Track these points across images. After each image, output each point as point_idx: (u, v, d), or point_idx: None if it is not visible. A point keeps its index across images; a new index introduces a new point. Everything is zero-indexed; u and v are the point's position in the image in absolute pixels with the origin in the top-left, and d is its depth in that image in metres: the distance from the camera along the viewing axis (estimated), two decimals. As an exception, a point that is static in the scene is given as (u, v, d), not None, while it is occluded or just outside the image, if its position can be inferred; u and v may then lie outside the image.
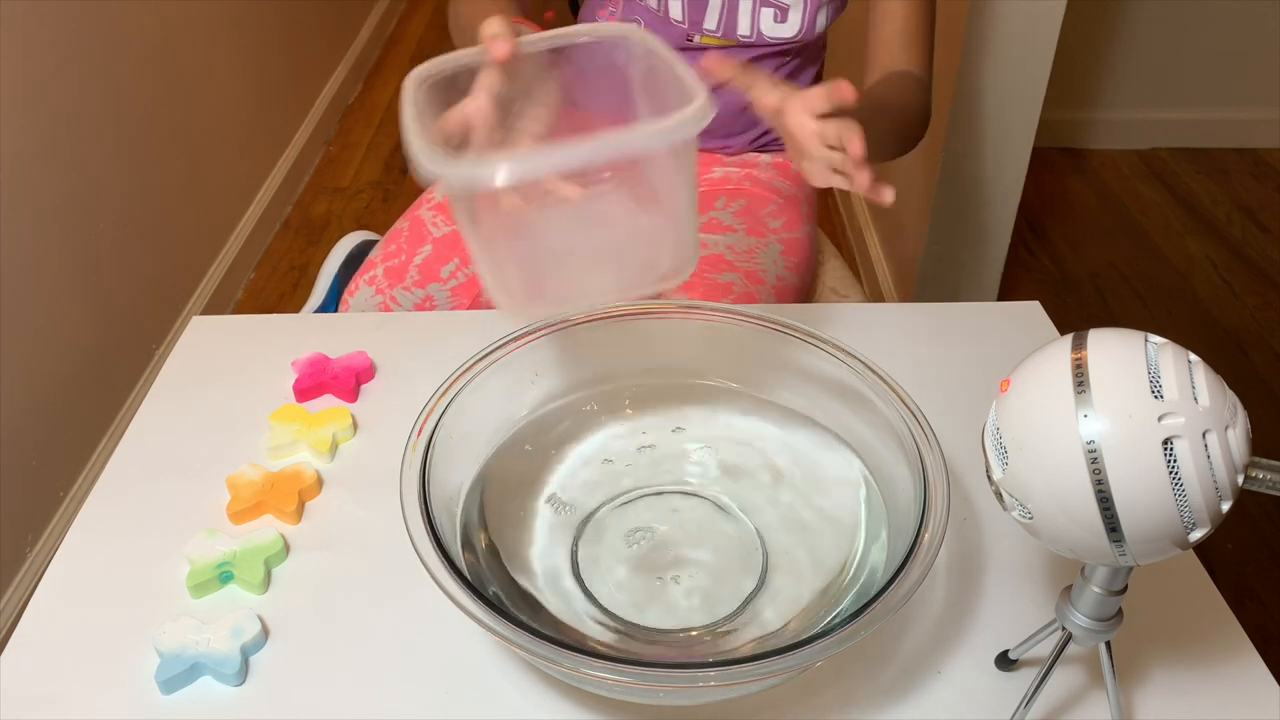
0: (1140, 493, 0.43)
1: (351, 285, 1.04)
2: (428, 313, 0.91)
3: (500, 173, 0.53)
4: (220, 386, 0.80)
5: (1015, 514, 0.48)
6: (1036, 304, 0.89)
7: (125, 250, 1.67)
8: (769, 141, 1.16)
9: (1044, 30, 1.50)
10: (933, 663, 0.60)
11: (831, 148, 0.65)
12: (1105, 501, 0.44)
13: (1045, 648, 0.58)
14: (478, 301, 1.02)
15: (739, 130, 1.12)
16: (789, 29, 1.01)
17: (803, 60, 1.08)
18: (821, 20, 1.02)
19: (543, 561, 0.63)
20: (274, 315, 0.89)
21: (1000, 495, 0.48)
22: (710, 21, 1.01)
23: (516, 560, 0.62)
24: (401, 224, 1.06)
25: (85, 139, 1.55)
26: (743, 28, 1.01)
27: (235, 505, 0.69)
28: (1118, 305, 2.07)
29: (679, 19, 1.03)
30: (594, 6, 1.10)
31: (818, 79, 1.14)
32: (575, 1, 1.18)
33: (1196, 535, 0.44)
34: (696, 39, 1.03)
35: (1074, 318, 2.04)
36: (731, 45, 1.02)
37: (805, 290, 1.08)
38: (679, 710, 0.58)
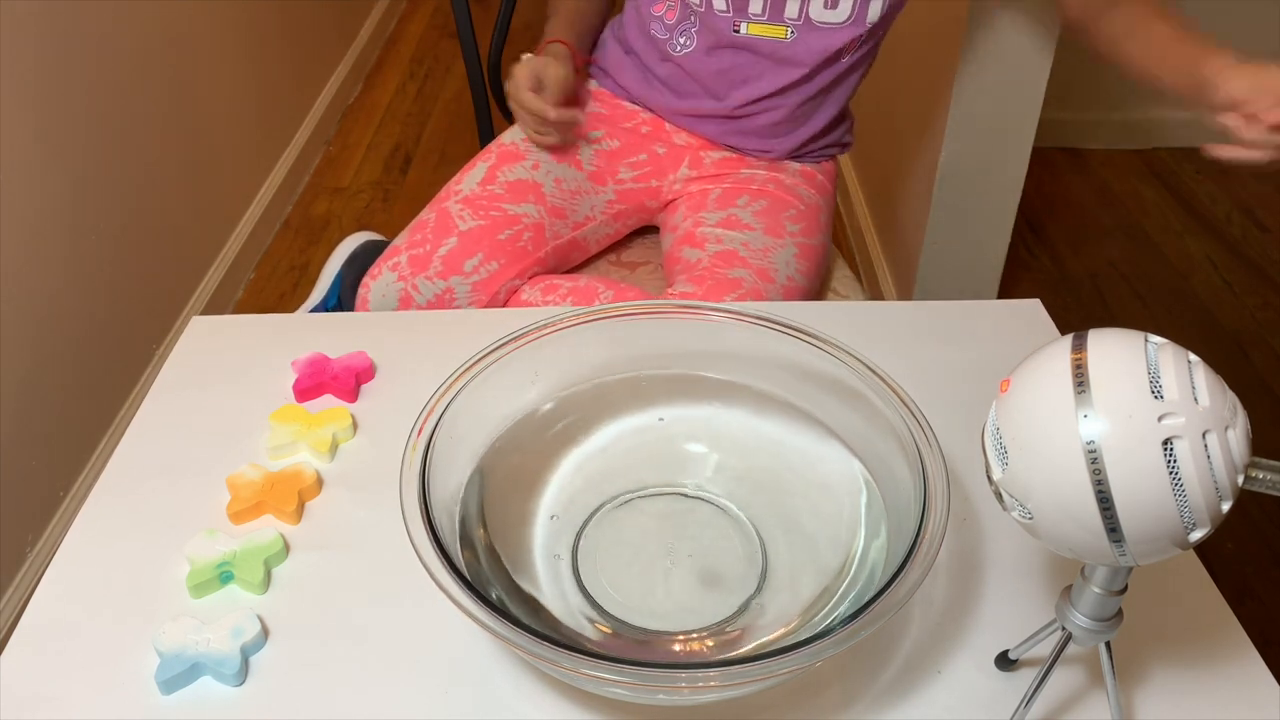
0: (1140, 493, 0.43)
1: (374, 269, 1.04)
2: (428, 312, 0.91)
3: None
4: (220, 386, 0.80)
5: (1015, 514, 0.48)
6: (1037, 302, 0.89)
7: (125, 250, 1.67)
8: (807, 153, 1.16)
9: (1044, 30, 1.50)
10: (933, 663, 0.60)
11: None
12: (1105, 501, 0.44)
13: (1045, 648, 0.58)
14: (496, 298, 1.02)
15: (783, 134, 1.13)
16: (839, 14, 1.01)
17: (853, 63, 1.08)
18: (874, 10, 1.01)
19: (542, 561, 0.63)
20: (274, 315, 0.89)
21: (1000, 495, 0.48)
22: (755, 5, 1.01)
23: (516, 560, 0.62)
24: (428, 215, 1.06)
25: (85, 139, 1.55)
26: (790, 10, 1.01)
27: (235, 505, 0.69)
28: (1118, 305, 2.07)
29: (723, 9, 1.03)
30: (648, 2, 1.10)
31: (853, 91, 1.15)
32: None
33: (1196, 535, 0.44)
34: (743, 28, 1.03)
35: (1074, 318, 2.04)
36: (778, 33, 1.03)
37: (814, 296, 1.08)
38: (679, 710, 0.58)
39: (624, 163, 1.15)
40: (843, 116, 1.18)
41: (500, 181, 1.07)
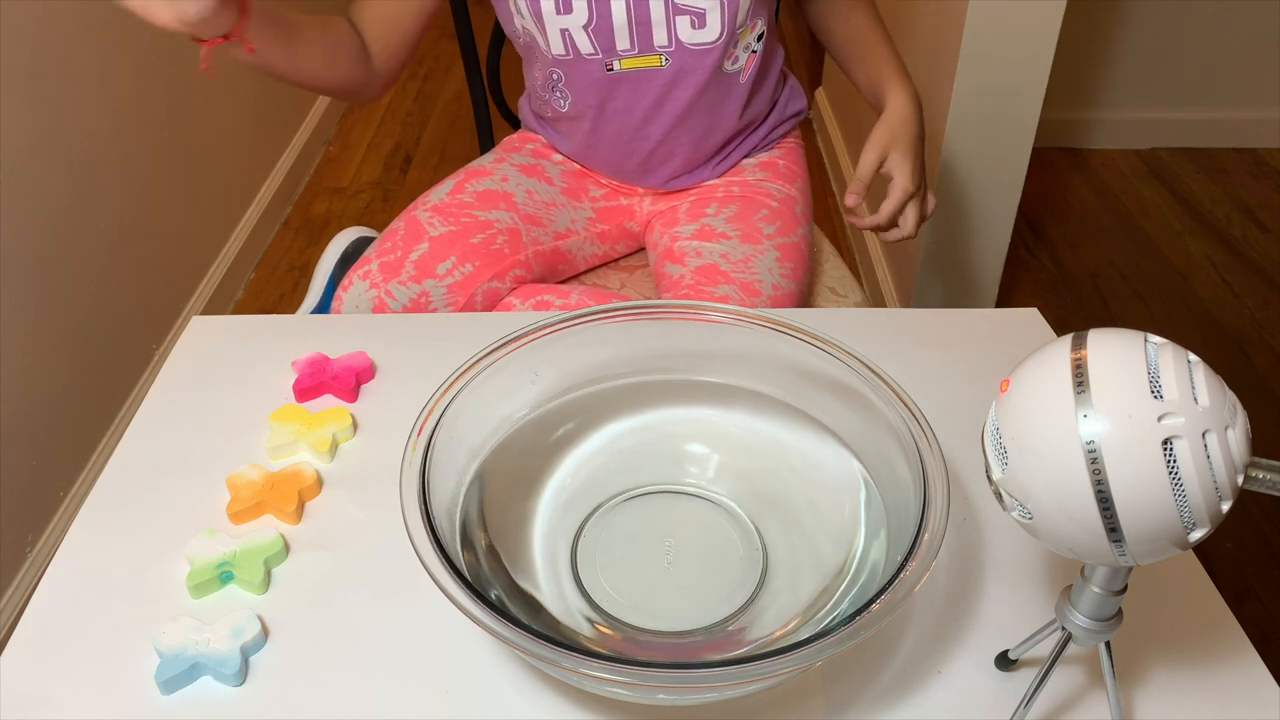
0: (1140, 493, 0.43)
1: (345, 280, 1.02)
2: (428, 314, 0.90)
3: None
4: (220, 386, 0.80)
5: (1015, 514, 0.48)
6: (1035, 311, 0.89)
7: (125, 250, 1.67)
8: (755, 148, 1.15)
9: (1044, 30, 1.50)
10: (933, 663, 0.60)
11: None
12: (1105, 501, 0.44)
13: (1045, 648, 0.58)
14: (472, 300, 1.02)
15: (701, 161, 1.12)
16: (709, 34, 1.00)
17: (747, 60, 1.07)
18: (741, 18, 1.00)
19: (542, 561, 0.63)
20: (274, 315, 0.89)
21: (1000, 495, 0.48)
22: (622, 42, 1.00)
23: (516, 560, 0.62)
24: (397, 224, 1.05)
25: (85, 139, 1.55)
26: (659, 39, 1.00)
27: (235, 505, 0.69)
28: (1118, 305, 2.07)
29: (591, 51, 1.01)
30: (532, 68, 1.10)
31: (784, 77, 1.15)
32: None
33: (1196, 535, 0.45)
34: (616, 65, 1.02)
35: (1074, 318, 2.04)
36: (653, 63, 1.02)
37: (803, 296, 1.07)
38: (678, 710, 0.58)
39: (591, 180, 1.16)
40: (772, 99, 1.15)
41: (470, 192, 1.07)
